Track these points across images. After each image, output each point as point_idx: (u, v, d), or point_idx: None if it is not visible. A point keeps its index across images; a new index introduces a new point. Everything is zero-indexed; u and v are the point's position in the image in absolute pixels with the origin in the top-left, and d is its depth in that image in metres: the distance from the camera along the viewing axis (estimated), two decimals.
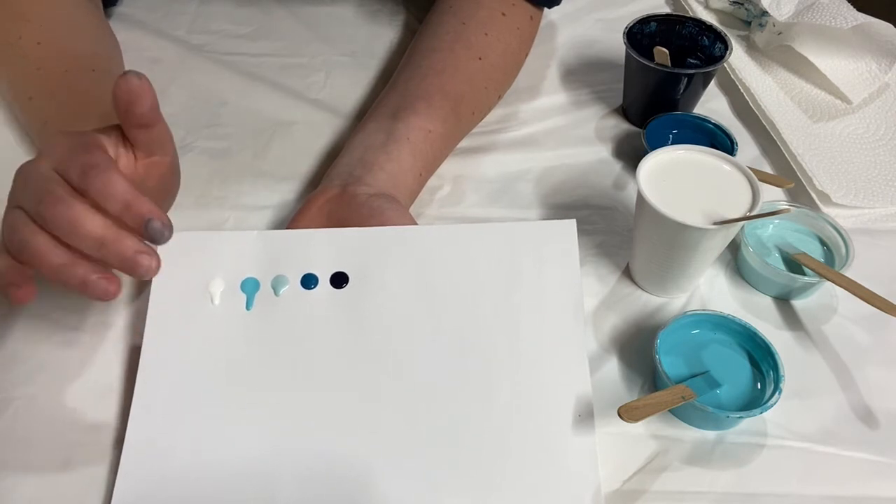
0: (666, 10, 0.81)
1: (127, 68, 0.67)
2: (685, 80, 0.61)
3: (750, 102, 0.68)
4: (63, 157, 0.40)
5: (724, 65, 0.62)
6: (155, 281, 0.45)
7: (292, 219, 0.49)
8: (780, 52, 0.71)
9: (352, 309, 0.44)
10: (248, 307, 0.44)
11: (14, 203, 0.40)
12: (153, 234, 0.40)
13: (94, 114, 0.51)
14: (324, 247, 0.46)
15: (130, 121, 0.41)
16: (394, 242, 0.46)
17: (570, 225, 0.46)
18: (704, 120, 0.62)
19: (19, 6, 0.58)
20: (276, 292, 0.45)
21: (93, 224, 0.38)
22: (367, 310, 0.44)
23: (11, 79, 0.58)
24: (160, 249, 0.45)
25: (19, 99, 0.57)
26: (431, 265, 0.45)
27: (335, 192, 0.49)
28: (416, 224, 0.48)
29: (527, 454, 0.41)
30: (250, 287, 0.45)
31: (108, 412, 0.44)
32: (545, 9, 0.69)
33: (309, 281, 0.45)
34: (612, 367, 0.48)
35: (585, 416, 0.42)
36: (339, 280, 0.45)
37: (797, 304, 0.52)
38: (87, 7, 0.63)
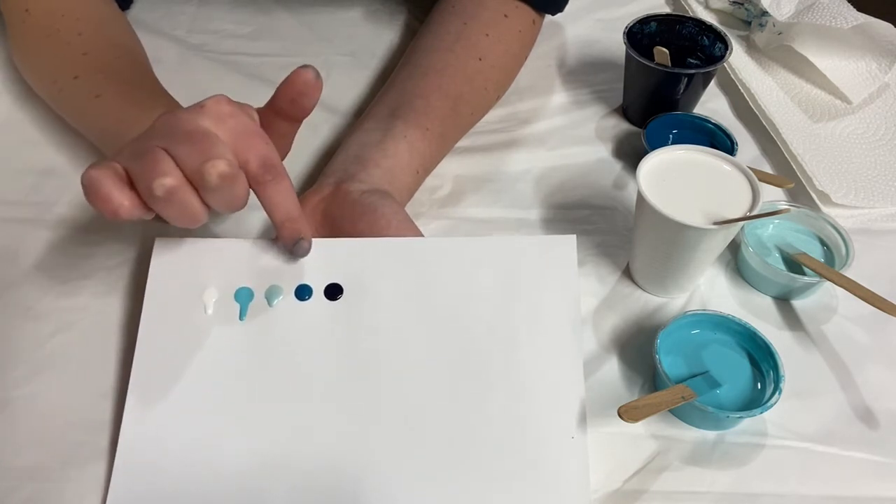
0: (666, 10, 0.81)
1: None
2: (685, 80, 0.61)
3: (750, 102, 0.68)
4: (235, 135, 0.39)
5: (724, 65, 0.62)
6: (148, 288, 0.45)
7: None
8: (780, 52, 0.71)
9: (346, 321, 0.44)
10: (241, 317, 0.44)
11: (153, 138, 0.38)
12: (299, 251, 0.43)
13: (149, 90, 0.53)
14: (318, 257, 0.45)
15: (289, 110, 0.42)
16: (389, 254, 0.45)
17: (569, 241, 0.46)
18: (704, 120, 0.62)
19: (50, 3, 0.58)
20: (269, 303, 0.44)
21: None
22: (361, 322, 0.44)
23: (51, 64, 0.57)
24: (155, 257, 0.45)
25: (60, 80, 0.56)
26: (427, 278, 0.45)
27: (329, 190, 0.49)
28: (409, 218, 0.47)
29: (518, 473, 0.40)
30: (244, 297, 0.45)
31: (107, 413, 0.44)
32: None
33: (303, 292, 0.45)
34: (612, 367, 0.48)
35: (579, 436, 0.41)
36: (333, 291, 0.45)
37: (797, 304, 0.52)
38: (112, 6, 0.64)
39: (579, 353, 0.43)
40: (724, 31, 0.63)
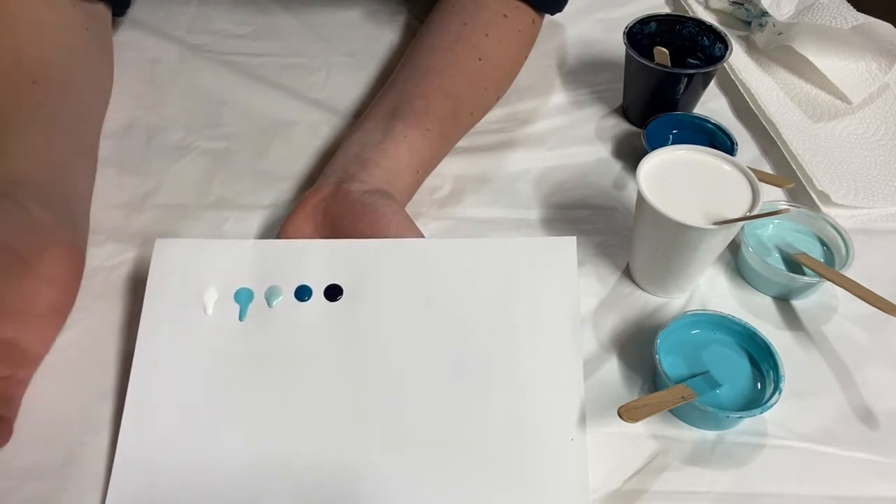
0: (666, 10, 0.81)
1: (127, 68, 0.67)
2: (685, 80, 0.61)
3: (750, 102, 0.68)
4: None
5: (724, 65, 0.62)
6: (149, 288, 0.45)
7: (287, 218, 0.49)
8: (780, 52, 0.71)
9: (345, 322, 0.44)
10: (240, 318, 0.44)
11: None
12: None
13: (13, 129, 0.51)
14: (318, 258, 0.45)
15: None
16: (389, 255, 0.45)
17: (569, 242, 0.46)
18: (704, 120, 0.62)
19: None
20: (269, 303, 0.44)
21: None
22: (360, 323, 0.44)
23: None
24: (155, 257, 0.45)
25: None
26: (427, 279, 0.45)
27: (329, 191, 0.49)
28: (409, 218, 0.47)
29: (518, 474, 0.40)
30: (244, 297, 0.45)
31: (107, 413, 0.44)
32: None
33: (303, 293, 0.45)
34: (612, 367, 0.48)
35: (579, 438, 0.41)
36: (333, 292, 0.45)
37: (797, 304, 0.52)
38: (67, 11, 0.61)
39: (579, 355, 0.43)
40: (724, 31, 0.63)
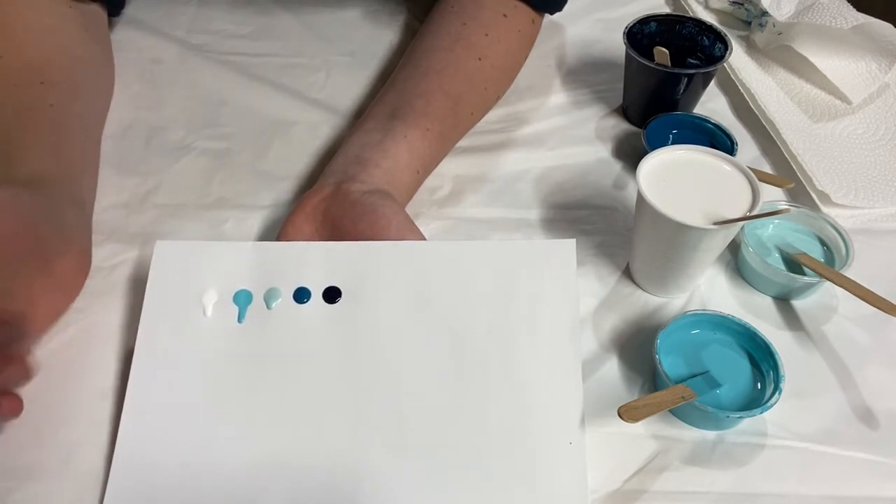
0: (666, 10, 0.81)
1: (127, 68, 0.67)
2: (685, 80, 0.61)
3: (750, 102, 0.68)
4: None
5: (724, 65, 0.62)
6: (148, 289, 0.45)
7: (287, 218, 0.49)
8: (780, 52, 0.71)
9: (344, 324, 0.44)
10: (239, 319, 0.44)
11: None
12: None
13: (30, 128, 0.51)
14: (317, 260, 0.45)
15: None
16: (388, 257, 0.45)
17: (569, 245, 0.46)
18: (704, 120, 0.62)
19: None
20: (268, 305, 0.44)
21: None
22: (359, 325, 0.44)
23: None
24: (155, 259, 0.45)
25: None
26: (426, 282, 0.45)
27: (329, 191, 0.49)
28: (410, 218, 0.47)
29: (516, 478, 0.40)
30: (243, 299, 0.45)
31: (107, 413, 0.44)
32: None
33: (301, 295, 0.45)
34: (612, 367, 0.48)
35: (577, 442, 0.41)
36: (331, 295, 0.45)
37: (797, 304, 0.52)
38: (64, 13, 0.61)
39: (578, 359, 0.43)
40: (724, 31, 0.63)
